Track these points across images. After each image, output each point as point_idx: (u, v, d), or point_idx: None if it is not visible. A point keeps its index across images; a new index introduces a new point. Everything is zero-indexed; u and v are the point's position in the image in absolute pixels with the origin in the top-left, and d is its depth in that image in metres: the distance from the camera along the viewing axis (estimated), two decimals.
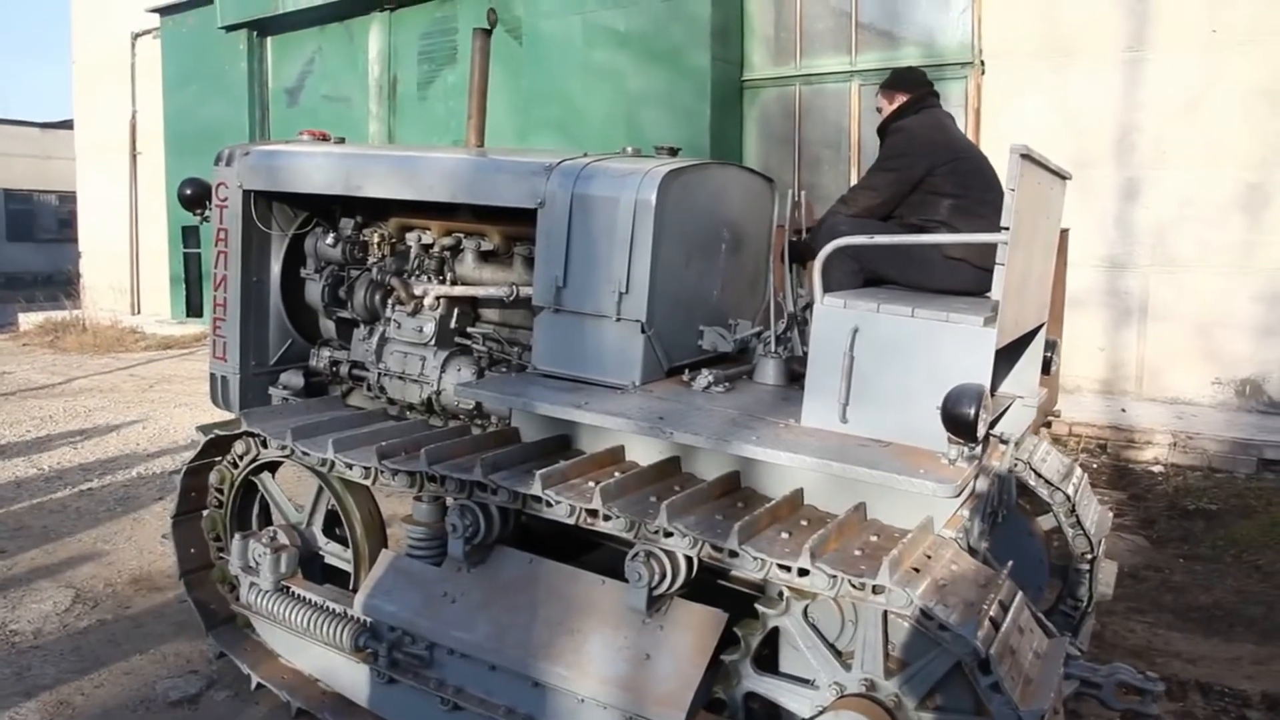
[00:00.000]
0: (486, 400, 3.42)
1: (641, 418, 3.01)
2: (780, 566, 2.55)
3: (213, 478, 3.94)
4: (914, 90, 4.01)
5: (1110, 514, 4.47)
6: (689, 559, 2.85)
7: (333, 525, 3.78)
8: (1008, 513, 3.75)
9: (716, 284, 3.81)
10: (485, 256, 4.01)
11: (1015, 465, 3.79)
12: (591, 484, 2.89)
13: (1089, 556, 4.05)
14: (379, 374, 4.02)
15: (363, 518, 3.57)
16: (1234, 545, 6.22)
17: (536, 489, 2.86)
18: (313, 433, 3.49)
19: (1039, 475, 3.91)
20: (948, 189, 3.69)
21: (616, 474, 2.97)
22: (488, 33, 4.22)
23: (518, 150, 4.40)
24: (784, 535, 2.65)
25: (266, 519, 4.02)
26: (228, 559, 3.84)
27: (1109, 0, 8.47)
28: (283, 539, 3.63)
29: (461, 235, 4.03)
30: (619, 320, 3.39)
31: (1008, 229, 2.80)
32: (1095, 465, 7.60)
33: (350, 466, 3.29)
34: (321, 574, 3.82)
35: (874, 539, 2.69)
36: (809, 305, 3.84)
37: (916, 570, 2.52)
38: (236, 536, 3.70)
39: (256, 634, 3.90)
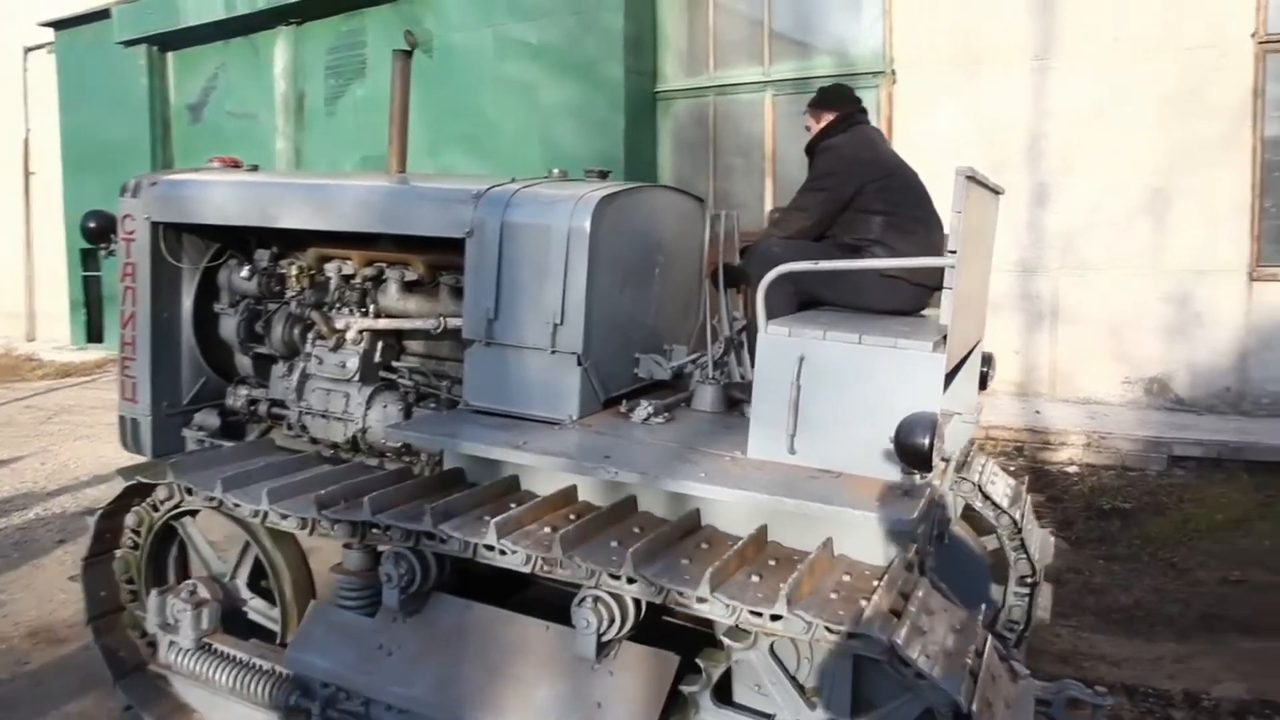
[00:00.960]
0: (418, 442, 3.26)
1: (584, 456, 2.90)
2: (753, 613, 2.46)
3: (130, 520, 3.69)
4: (842, 108, 3.99)
5: (1052, 539, 4.48)
6: (638, 601, 2.75)
7: (256, 576, 3.58)
8: (950, 533, 3.74)
9: (650, 310, 3.73)
10: (409, 287, 3.86)
11: (961, 485, 3.78)
12: (549, 530, 2.76)
13: (1030, 580, 4.05)
14: (300, 412, 3.84)
15: (291, 569, 3.38)
16: (1149, 543, 6.36)
17: (491, 538, 2.72)
18: (244, 482, 3.27)
19: (986, 497, 3.90)
20: (879, 207, 3.67)
21: (572, 518, 2.85)
22: (408, 54, 4.07)
23: (442, 176, 4.26)
24: (754, 579, 2.56)
25: (184, 561, 3.80)
26: (142, 604, 3.62)
27: (1017, 10, 8.62)
28: (203, 592, 3.42)
29: (384, 265, 3.87)
30: (554, 353, 3.28)
31: (954, 253, 2.76)
32: (1013, 468, 7.70)
33: (285, 517, 3.10)
34: (247, 626, 3.62)
35: (846, 578, 2.61)
36: (744, 329, 3.79)
37: (895, 614, 2.46)
38: (153, 593, 3.47)
39: (170, 684, 3.66)
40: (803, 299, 3.61)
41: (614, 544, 2.70)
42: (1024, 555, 3.96)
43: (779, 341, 2.93)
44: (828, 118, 3.97)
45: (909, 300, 3.56)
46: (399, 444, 3.67)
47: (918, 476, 2.74)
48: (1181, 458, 7.41)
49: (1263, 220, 8.00)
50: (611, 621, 2.74)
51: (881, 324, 3.15)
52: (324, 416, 3.79)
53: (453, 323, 3.64)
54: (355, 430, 3.74)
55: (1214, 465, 7.32)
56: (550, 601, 3.10)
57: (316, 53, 12.40)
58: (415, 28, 10.83)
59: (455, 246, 3.53)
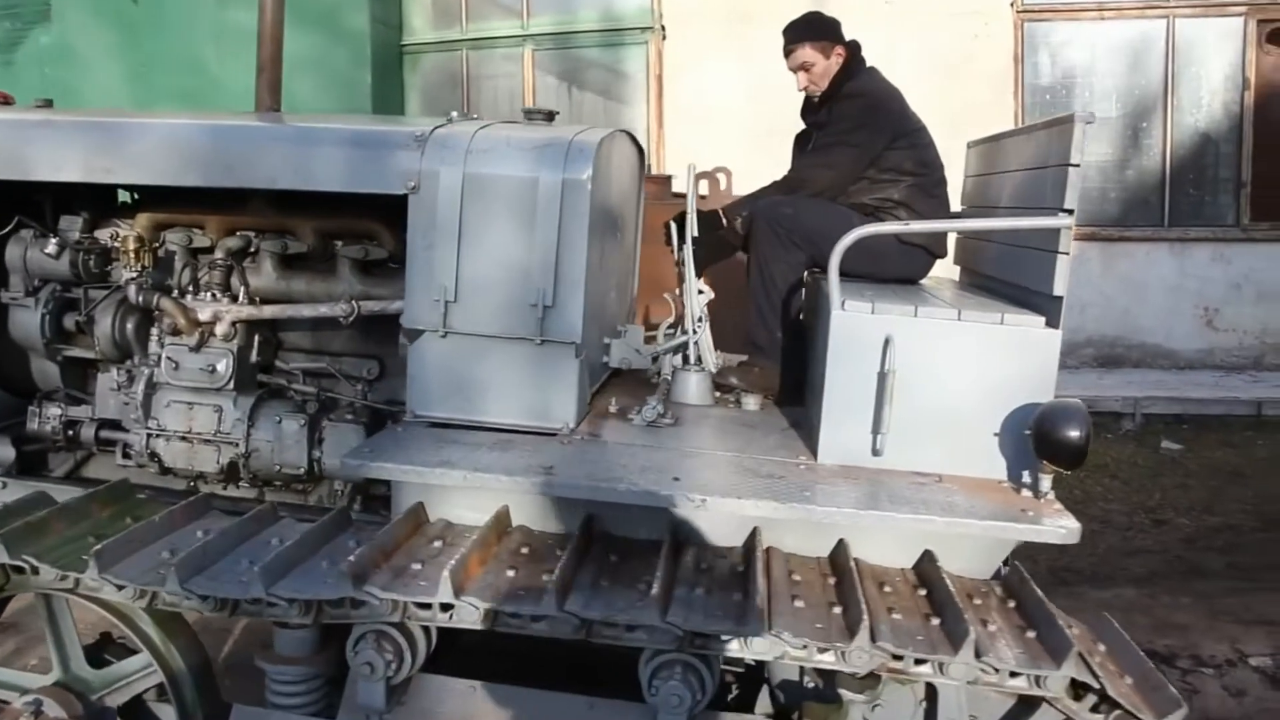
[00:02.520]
0: (396, 475, 2.34)
1: (652, 483, 2.19)
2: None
3: None
4: (845, 40, 3.45)
5: None
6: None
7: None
8: None
9: (612, 283, 3.05)
10: (289, 262, 2.91)
11: None
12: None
13: None
14: (149, 435, 2.79)
15: (193, 669, 2.38)
16: None
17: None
18: (200, 563, 2.18)
19: None
20: (909, 167, 3.18)
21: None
22: None
23: (335, 116, 3.30)
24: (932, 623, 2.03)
25: None
26: None
27: None
28: (54, 710, 2.34)
29: (251, 234, 2.90)
30: (543, 343, 2.52)
31: (1071, 211, 2.32)
32: None
33: (290, 603, 2.09)
34: None
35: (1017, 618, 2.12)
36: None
37: None
38: None
39: None
40: (809, 267, 3.07)
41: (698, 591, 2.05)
42: None
43: (859, 320, 2.38)
44: (838, 54, 3.40)
45: (920, 269, 3.14)
46: (300, 469, 2.77)
47: (1042, 479, 2.30)
48: None
49: None
50: (702, 692, 2.11)
51: (941, 294, 2.69)
52: (185, 439, 2.78)
53: (366, 306, 2.77)
54: (235, 455, 2.77)
55: None
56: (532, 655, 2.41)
57: None
58: None
59: (359, 206, 2.73)
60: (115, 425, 2.90)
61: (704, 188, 6.80)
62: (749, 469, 2.34)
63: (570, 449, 2.44)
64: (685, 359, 3.05)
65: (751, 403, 2.97)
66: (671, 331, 3.18)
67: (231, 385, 2.80)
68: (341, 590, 1.98)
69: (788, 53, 3.45)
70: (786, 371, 3.02)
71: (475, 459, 2.30)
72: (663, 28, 8.84)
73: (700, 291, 3.13)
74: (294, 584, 2.06)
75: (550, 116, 2.90)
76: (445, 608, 2.02)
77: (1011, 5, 8.16)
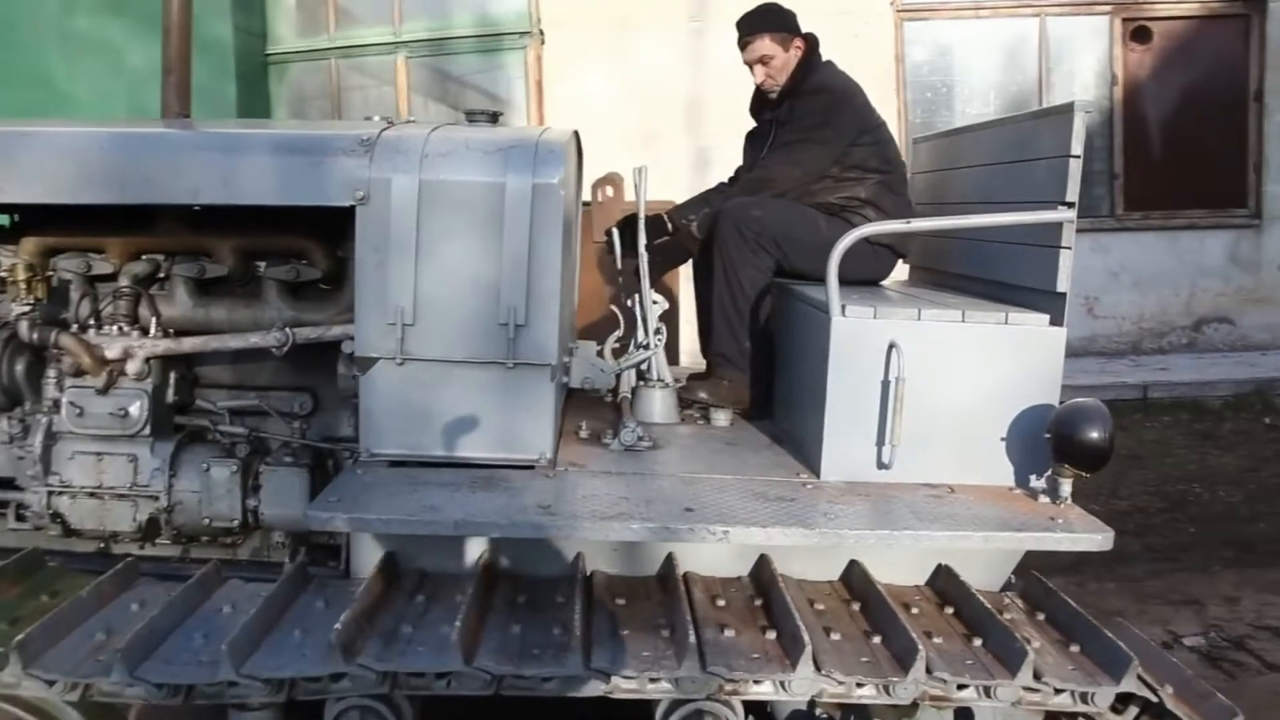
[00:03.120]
0: (376, 528, 2.02)
1: (664, 516, 1.98)
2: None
3: None
4: (803, 33, 3.29)
5: None
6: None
7: None
8: None
9: (568, 297, 2.81)
10: (206, 287, 2.58)
11: None
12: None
13: None
14: (49, 493, 2.42)
15: None
16: None
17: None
18: (146, 645, 1.81)
19: None
20: (874, 164, 3.03)
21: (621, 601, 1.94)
22: None
23: (270, 121, 2.96)
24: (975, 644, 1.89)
25: None
26: None
27: None
28: None
29: (160, 258, 2.55)
30: (515, 365, 2.28)
31: (1072, 205, 2.22)
32: None
33: (272, 685, 1.75)
34: None
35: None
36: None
37: None
38: None
39: None
40: (774, 271, 2.90)
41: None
42: None
43: (862, 326, 2.23)
44: (797, 46, 3.24)
45: (885, 269, 3.02)
46: (233, 522, 2.45)
47: (1062, 483, 2.20)
48: None
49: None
50: None
51: (921, 294, 2.56)
52: (95, 495, 2.42)
53: (301, 333, 2.47)
54: (155, 510, 2.43)
55: None
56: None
57: None
58: None
59: (286, 222, 2.45)
60: (6, 484, 2.50)
61: (597, 194, 6.60)
62: (757, 493, 2.16)
63: (558, 483, 2.21)
64: (643, 375, 2.87)
65: (721, 418, 2.80)
66: (619, 346, 2.99)
67: (147, 430, 2.45)
68: (330, 665, 1.70)
69: (744, 45, 3.30)
70: (757, 383, 2.85)
71: (461, 502, 2.04)
72: (541, 32, 8.60)
73: (654, 301, 2.95)
74: (268, 660, 1.76)
75: (495, 118, 2.66)
76: (442, 675, 1.76)
77: (891, 4, 8.22)
